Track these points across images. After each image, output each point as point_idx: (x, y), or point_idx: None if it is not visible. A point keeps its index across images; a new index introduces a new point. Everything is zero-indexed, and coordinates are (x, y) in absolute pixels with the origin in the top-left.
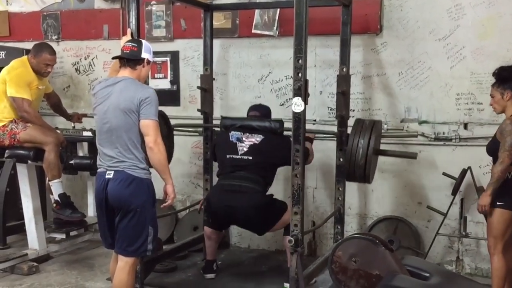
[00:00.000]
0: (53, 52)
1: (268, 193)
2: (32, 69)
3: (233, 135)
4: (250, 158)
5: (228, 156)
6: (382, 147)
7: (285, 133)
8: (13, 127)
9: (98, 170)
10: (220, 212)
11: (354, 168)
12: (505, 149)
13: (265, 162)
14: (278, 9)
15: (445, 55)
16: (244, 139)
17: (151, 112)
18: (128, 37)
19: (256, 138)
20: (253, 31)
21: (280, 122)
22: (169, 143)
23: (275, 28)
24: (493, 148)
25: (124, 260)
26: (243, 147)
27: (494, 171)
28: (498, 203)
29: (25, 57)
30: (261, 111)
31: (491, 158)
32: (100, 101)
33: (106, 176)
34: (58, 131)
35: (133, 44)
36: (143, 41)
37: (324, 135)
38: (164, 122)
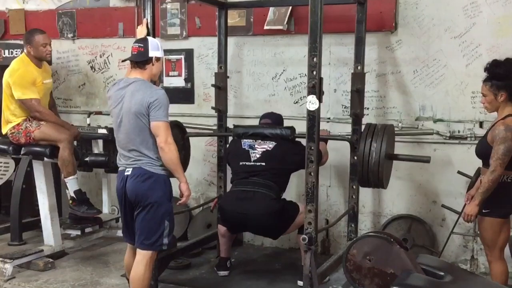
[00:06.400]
0: (43, 32)
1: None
2: (34, 60)
3: (245, 142)
4: (263, 164)
5: (241, 163)
6: (397, 146)
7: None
8: (27, 125)
9: (119, 169)
10: (234, 219)
11: (368, 173)
12: (498, 157)
13: (278, 168)
14: (290, 6)
15: (461, 53)
16: (256, 146)
17: (160, 114)
18: (143, 27)
19: (269, 145)
20: (265, 27)
21: (292, 128)
22: (185, 152)
23: (285, 22)
24: (484, 152)
25: (142, 253)
26: (256, 153)
27: (485, 180)
28: (484, 211)
29: (23, 55)
30: (272, 118)
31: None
32: (114, 105)
33: (125, 173)
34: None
35: (139, 44)
36: (149, 39)
37: (339, 133)
38: (179, 132)
